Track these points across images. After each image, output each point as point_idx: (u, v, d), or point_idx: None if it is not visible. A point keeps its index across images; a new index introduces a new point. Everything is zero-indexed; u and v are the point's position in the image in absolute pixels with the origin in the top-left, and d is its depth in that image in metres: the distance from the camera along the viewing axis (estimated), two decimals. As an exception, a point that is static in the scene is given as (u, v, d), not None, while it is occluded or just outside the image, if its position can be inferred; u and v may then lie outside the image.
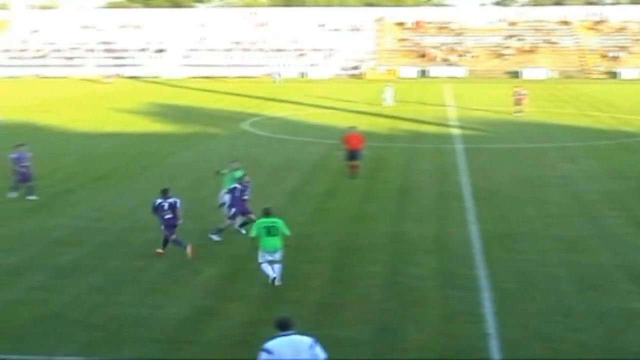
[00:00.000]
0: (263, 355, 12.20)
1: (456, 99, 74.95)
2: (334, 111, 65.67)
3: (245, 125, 56.14)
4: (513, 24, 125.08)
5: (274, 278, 20.74)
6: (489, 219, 28.12)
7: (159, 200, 24.37)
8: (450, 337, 17.42)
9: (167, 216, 24.18)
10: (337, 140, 38.82)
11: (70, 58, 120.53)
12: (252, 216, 25.65)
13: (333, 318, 18.61)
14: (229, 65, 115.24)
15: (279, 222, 21.10)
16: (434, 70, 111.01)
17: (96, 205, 30.86)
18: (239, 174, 27.60)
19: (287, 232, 21.15)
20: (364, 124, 55.87)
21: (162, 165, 39.60)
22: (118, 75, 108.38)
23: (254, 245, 21.30)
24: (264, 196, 31.97)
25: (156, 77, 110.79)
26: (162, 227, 24.16)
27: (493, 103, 71.36)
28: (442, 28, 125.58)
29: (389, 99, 70.52)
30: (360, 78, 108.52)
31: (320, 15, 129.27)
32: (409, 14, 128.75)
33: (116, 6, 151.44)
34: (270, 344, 12.25)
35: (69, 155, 42.87)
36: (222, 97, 79.12)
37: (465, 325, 18.07)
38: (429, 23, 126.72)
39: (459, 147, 45.22)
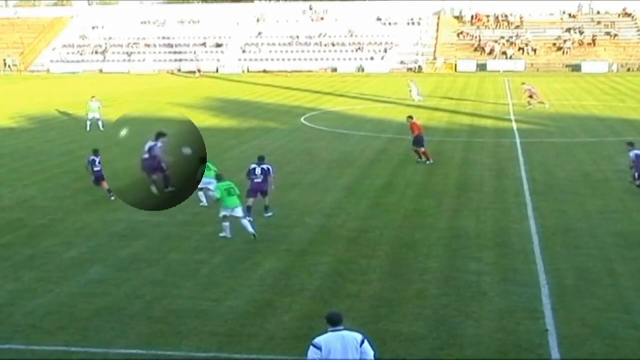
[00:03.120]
0: (312, 350, 12.22)
1: (515, 93, 74.34)
2: (391, 105, 65.50)
3: (303, 120, 56.23)
4: (573, 16, 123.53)
5: (226, 236, 24.99)
6: (548, 214, 27.91)
7: (254, 165, 27.78)
8: (508, 334, 17.33)
9: (257, 180, 27.48)
10: (393, 135, 38.69)
11: (130, 53, 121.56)
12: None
13: (390, 313, 18.61)
14: (286, 60, 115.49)
15: (233, 184, 25.47)
16: (493, 64, 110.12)
17: (156, 199, 31.11)
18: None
19: (239, 191, 25.48)
20: (421, 118, 55.75)
21: (219, 160, 39.68)
22: (201, 72, 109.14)
23: (217, 205, 25.47)
24: (321, 191, 32.18)
25: (214, 72, 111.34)
26: (248, 190, 27.30)
27: (552, 97, 70.67)
28: (502, 21, 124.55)
29: (415, 94, 69.56)
30: (418, 72, 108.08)
31: (378, 8, 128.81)
32: (467, 7, 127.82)
33: (175, 1, 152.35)
34: (319, 339, 12.27)
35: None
36: (279, 92, 79.32)
37: (523, 321, 17.96)
38: (488, 16, 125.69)
39: (518, 141, 44.87)
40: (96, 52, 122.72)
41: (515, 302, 19.20)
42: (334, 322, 12.46)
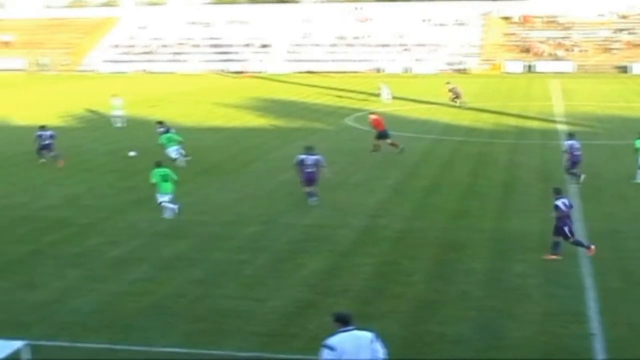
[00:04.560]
0: (326, 351, 12.12)
1: (563, 95, 73.73)
2: (437, 106, 65.21)
3: (349, 121, 56.17)
4: (624, 17, 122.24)
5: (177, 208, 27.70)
6: (594, 216, 27.61)
7: (302, 156, 29.12)
8: (553, 336, 17.17)
9: (308, 170, 28.92)
10: (438, 135, 38.50)
11: (177, 53, 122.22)
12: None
13: (434, 314, 18.53)
14: (332, 61, 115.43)
15: (169, 171, 28.22)
16: (541, 66, 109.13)
17: (199, 198, 31.26)
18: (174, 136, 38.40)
19: (175, 177, 28.40)
20: (467, 119, 55.56)
21: (264, 160, 39.90)
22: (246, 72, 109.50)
23: (154, 189, 27.99)
24: (366, 191, 32.16)
25: (260, 72, 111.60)
26: (302, 180, 29.01)
27: (601, 98, 70.01)
28: (550, 22, 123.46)
29: (385, 95, 70.50)
30: (464, 73, 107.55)
31: (425, 9, 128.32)
32: (515, 8, 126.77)
33: (223, 2, 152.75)
34: (332, 340, 12.17)
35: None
36: (325, 92, 79.27)
37: (568, 324, 17.78)
38: (536, 17, 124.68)
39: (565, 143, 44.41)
40: (143, 52, 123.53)
41: (560, 305, 19.02)
42: (345, 321, 12.38)
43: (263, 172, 36.35)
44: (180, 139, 38.60)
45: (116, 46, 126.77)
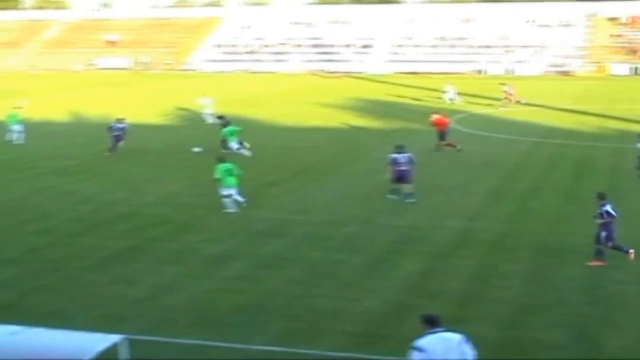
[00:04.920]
0: (415, 353, 12.00)
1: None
2: (539, 109, 64.34)
3: (450, 122, 55.67)
4: None
5: (241, 202, 29.01)
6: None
7: (395, 155, 30.15)
8: (653, 345, 16.78)
9: (401, 168, 29.81)
10: (538, 138, 37.93)
11: (279, 53, 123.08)
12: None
13: (530, 319, 18.27)
14: (433, 62, 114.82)
15: (233, 166, 29.37)
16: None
17: (297, 198, 31.43)
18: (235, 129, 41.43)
19: (239, 171, 29.58)
20: (569, 122, 54.67)
21: (363, 160, 39.87)
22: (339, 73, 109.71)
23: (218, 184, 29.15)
24: (464, 193, 31.92)
25: (360, 73, 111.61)
26: (394, 178, 29.94)
27: None
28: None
29: (451, 96, 70.63)
30: (568, 75, 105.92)
31: (529, 10, 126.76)
32: (623, 9, 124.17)
33: (326, 2, 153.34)
34: (421, 342, 12.04)
35: (273, 148, 43.83)
36: (427, 93, 78.80)
37: (669, 333, 17.36)
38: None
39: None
40: (246, 52, 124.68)
41: (662, 314, 18.58)
42: (434, 323, 12.27)
43: (361, 172, 36.33)
44: (239, 128, 42.18)
45: (219, 46, 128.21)
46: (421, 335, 12.19)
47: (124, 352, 12.84)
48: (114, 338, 12.82)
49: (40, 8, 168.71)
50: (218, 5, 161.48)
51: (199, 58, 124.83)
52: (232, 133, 41.05)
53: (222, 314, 18.74)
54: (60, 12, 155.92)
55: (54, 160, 40.88)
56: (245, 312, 18.82)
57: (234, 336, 17.26)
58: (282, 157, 41.03)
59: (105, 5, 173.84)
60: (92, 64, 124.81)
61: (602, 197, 22.78)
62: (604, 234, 22.17)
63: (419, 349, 12.00)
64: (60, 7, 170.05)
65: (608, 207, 22.34)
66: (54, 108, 65.24)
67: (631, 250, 22.46)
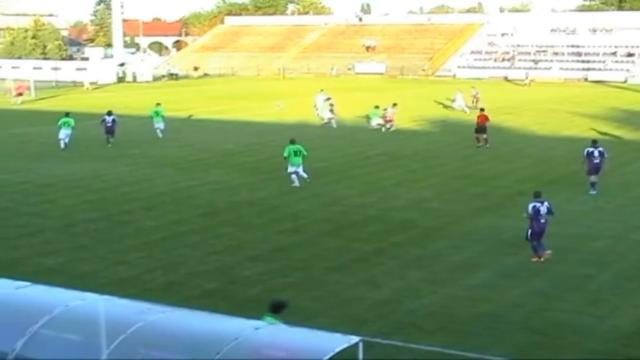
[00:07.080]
0: None
1: None
2: None
3: None
4: None
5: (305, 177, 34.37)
6: None
7: (591, 149, 32.93)
8: None
9: (595, 161, 32.73)
10: None
11: (536, 61, 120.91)
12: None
13: None
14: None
15: (301, 147, 34.33)
16: None
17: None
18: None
19: (305, 153, 34.56)
20: None
21: (619, 173, 38.34)
22: (531, 79, 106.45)
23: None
24: None
25: (623, 82, 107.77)
26: (588, 169, 32.76)
27: None
28: None
29: (459, 102, 67.66)
30: None
31: None
32: None
33: (588, 9, 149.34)
34: None
35: (525, 157, 43.11)
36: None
37: None
38: None
39: None
40: (503, 59, 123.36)
41: None
42: None
43: (615, 186, 35.05)
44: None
45: (476, 52, 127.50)
46: None
47: (360, 354, 13.02)
48: (352, 339, 13.01)
49: (305, 13, 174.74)
50: (478, 12, 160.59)
51: (455, 64, 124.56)
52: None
53: (462, 321, 18.69)
54: (321, 18, 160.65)
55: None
56: (485, 321, 18.68)
57: (471, 345, 17.16)
58: (534, 167, 40.25)
59: (365, 12, 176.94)
60: (350, 69, 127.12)
61: (536, 195, 24.29)
62: (529, 230, 23.58)
63: None
64: (321, 13, 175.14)
65: (537, 204, 23.72)
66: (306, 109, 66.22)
67: (548, 252, 23.51)
